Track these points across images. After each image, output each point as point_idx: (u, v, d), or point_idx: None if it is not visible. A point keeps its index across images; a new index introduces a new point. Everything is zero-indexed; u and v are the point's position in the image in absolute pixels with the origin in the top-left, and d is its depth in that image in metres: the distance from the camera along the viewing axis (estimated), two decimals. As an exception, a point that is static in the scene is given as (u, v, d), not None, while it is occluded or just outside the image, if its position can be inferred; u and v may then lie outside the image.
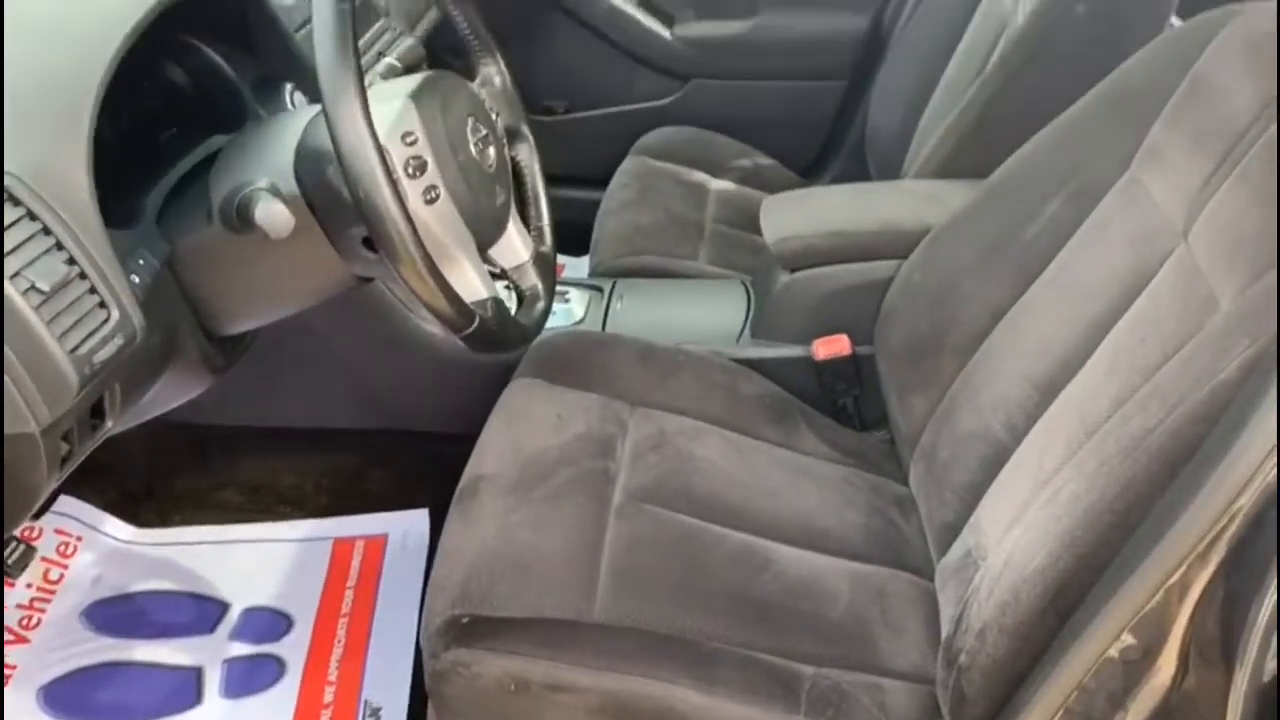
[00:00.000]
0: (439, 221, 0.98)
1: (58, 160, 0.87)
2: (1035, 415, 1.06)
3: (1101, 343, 1.03)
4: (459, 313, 0.95)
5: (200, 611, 1.55)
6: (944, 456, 1.18)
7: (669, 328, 1.54)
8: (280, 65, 1.25)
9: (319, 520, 1.70)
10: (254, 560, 1.63)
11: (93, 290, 0.87)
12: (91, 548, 1.61)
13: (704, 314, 1.63)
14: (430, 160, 0.98)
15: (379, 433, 1.70)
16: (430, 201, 0.97)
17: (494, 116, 1.13)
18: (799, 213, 1.55)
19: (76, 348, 0.85)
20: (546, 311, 1.16)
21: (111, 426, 0.98)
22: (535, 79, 2.32)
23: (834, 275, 1.48)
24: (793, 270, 1.49)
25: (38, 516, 1.63)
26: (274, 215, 0.92)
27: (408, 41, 1.25)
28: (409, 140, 0.97)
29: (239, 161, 1.04)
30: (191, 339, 1.07)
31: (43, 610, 1.52)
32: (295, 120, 1.05)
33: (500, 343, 1.03)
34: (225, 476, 1.74)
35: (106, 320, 0.88)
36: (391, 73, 1.26)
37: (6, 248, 0.81)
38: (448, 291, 0.93)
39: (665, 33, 2.32)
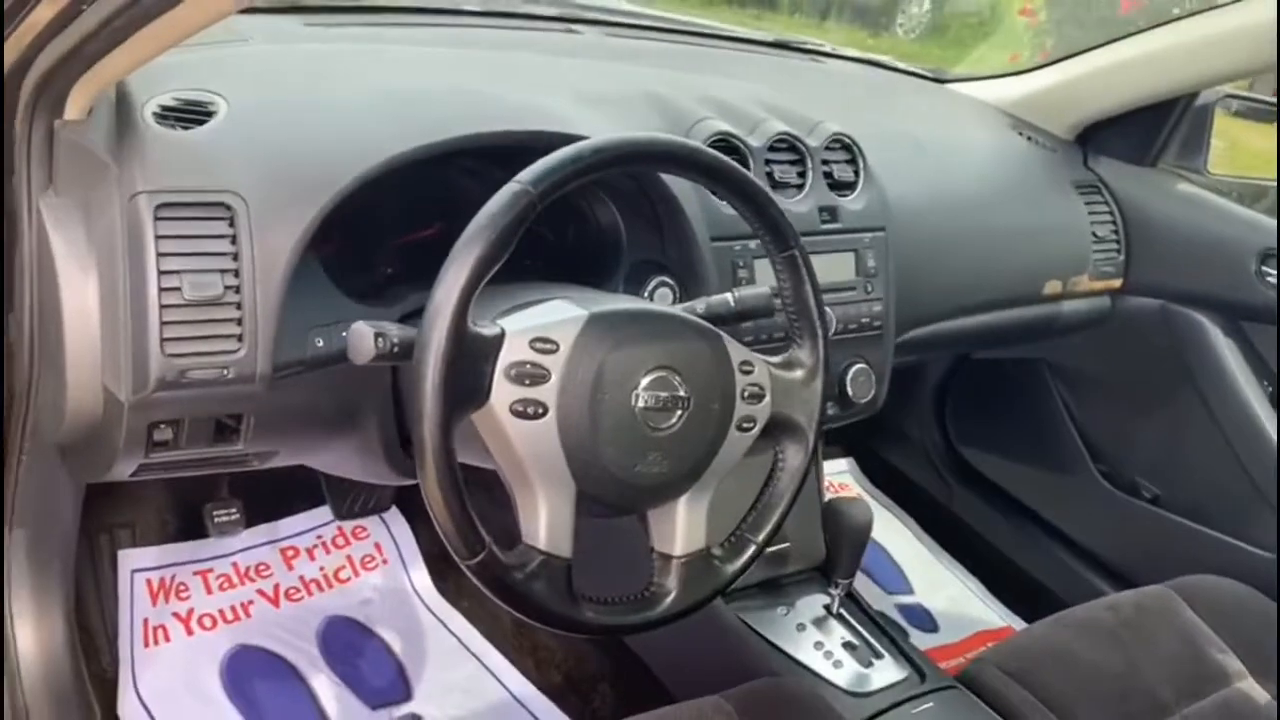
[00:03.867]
0: (525, 440, 0.83)
1: (284, 209, 0.94)
2: None
3: None
4: (459, 530, 0.80)
5: (394, 687, 1.57)
6: None
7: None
8: (662, 256, 1.20)
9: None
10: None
11: (237, 322, 0.92)
12: (387, 577, 1.73)
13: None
14: (556, 377, 0.83)
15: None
16: (525, 415, 0.83)
17: (739, 394, 0.93)
18: None
19: (179, 355, 0.90)
20: (635, 627, 0.92)
21: (245, 451, 1.02)
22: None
23: None
24: None
25: (366, 514, 1.80)
26: (359, 337, 0.86)
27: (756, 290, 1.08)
28: (543, 346, 0.84)
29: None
30: (377, 428, 1.07)
31: (309, 595, 1.67)
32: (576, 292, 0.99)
33: (527, 606, 0.85)
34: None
35: (232, 352, 0.92)
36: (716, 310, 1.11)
37: (182, 247, 0.90)
38: (456, 494, 0.79)
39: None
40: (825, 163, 1.34)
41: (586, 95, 1.21)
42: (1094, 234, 1.67)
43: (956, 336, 1.56)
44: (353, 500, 1.79)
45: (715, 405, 0.92)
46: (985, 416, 2.09)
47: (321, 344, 0.98)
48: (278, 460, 1.09)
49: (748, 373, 0.95)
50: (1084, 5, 5.21)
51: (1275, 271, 1.57)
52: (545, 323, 0.86)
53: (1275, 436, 1.60)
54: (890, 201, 1.39)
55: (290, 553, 1.71)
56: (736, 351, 0.94)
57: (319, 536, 1.75)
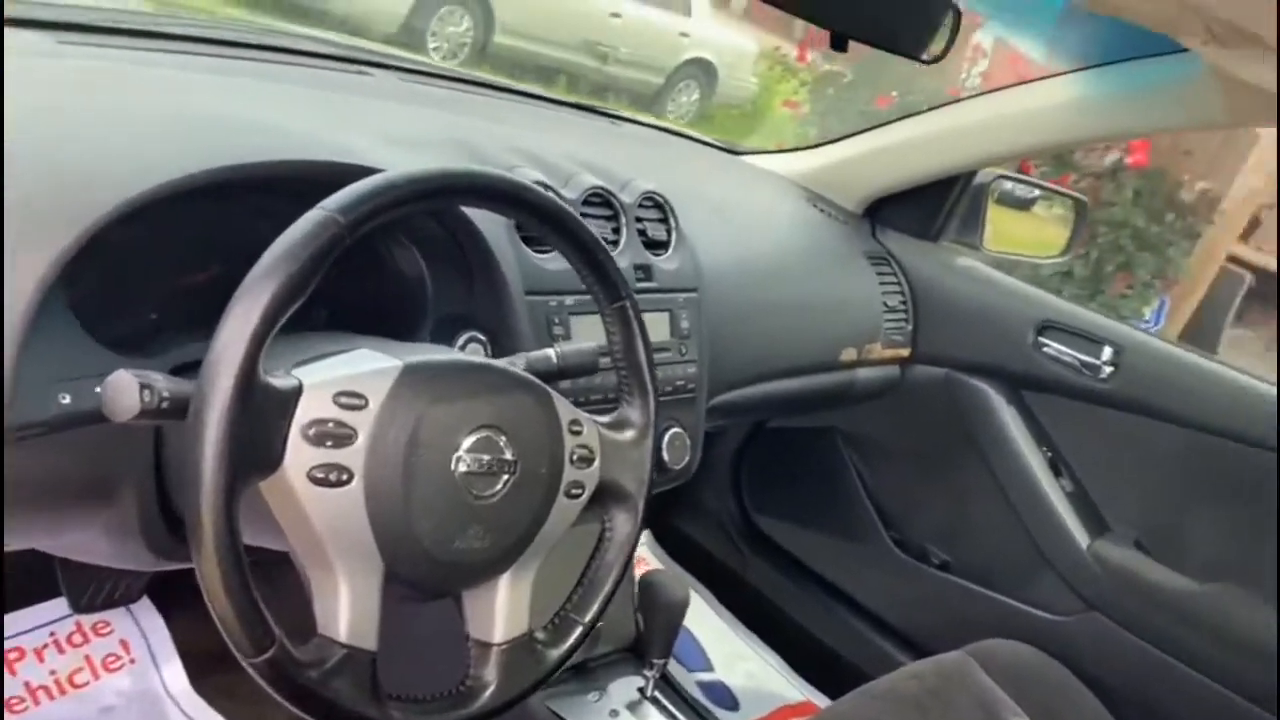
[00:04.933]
0: (325, 512, 0.71)
1: (25, 239, 0.78)
2: None
3: None
4: (243, 621, 0.67)
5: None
6: None
7: None
8: (472, 309, 1.11)
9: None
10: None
11: None
12: (136, 679, 1.50)
13: None
14: (364, 437, 0.73)
15: None
16: (326, 482, 0.71)
17: (567, 457, 0.85)
18: None
19: None
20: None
21: None
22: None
23: None
24: None
25: (111, 606, 1.57)
26: (120, 389, 0.72)
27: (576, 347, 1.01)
28: (349, 401, 0.73)
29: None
30: (135, 502, 0.91)
31: (36, 705, 1.42)
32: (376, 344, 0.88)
33: (324, 709, 0.72)
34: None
35: None
36: (537, 367, 1.04)
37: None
38: (239, 577, 0.66)
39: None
40: (639, 220, 1.30)
41: (393, 136, 1.11)
42: (885, 303, 1.72)
43: (759, 402, 1.54)
44: (95, 590, 1.55)
45: (543, 469, 0.84)
46: (780, 485, 2.09)
47: (69, 400, 0.82)
48: (5, 543, 0.90)
49: (577, 433, 0.87)
50: (844, 99, 5.58)
51: (1052, 343, 1.66)
52: (352, 374, 0.75)
53: (1055, 501, 1.67)
54: (700, 264, 1.36)
55: (14, 655, 1.45)
56: (566, 410, 0.86)
57: (51, 634, 1.50)
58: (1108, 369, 1.61)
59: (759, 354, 1.49)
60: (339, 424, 0.72)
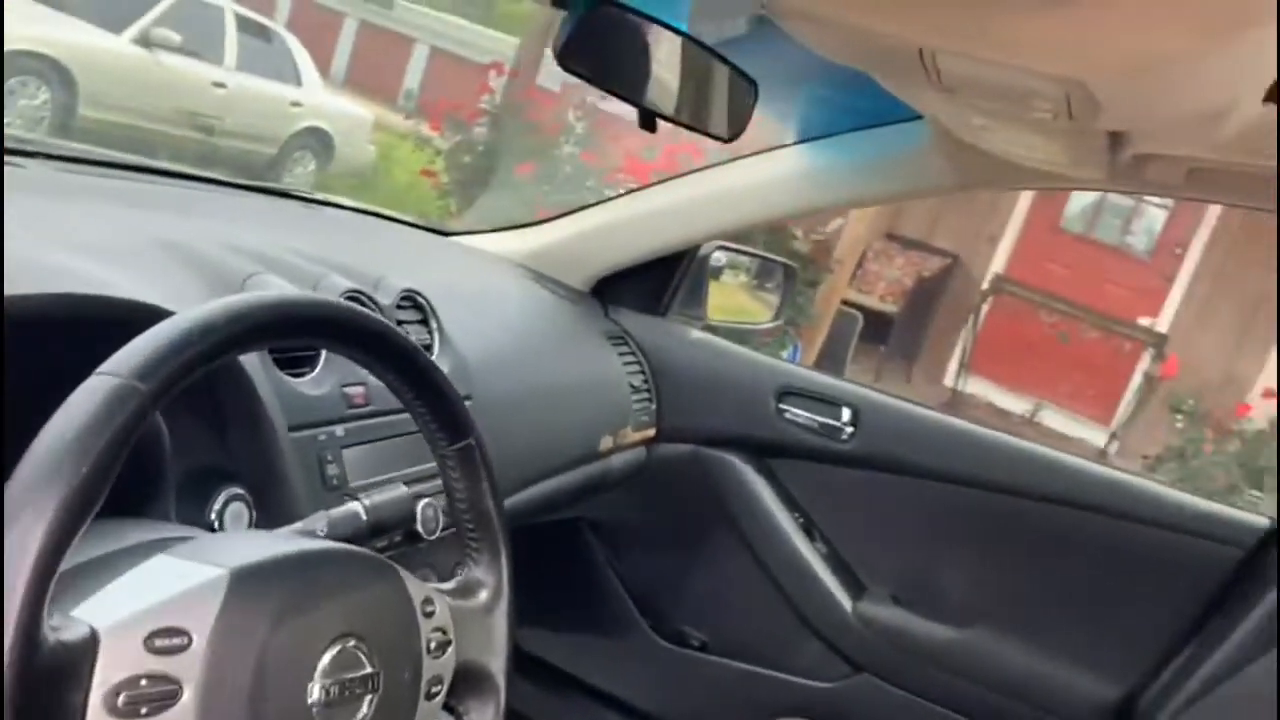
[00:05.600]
0: None
1: None
2: None
3: None
4: None
5: None
6: None
7: None
8: (225, 459, 0.88)
9: None
10: None
11: None
12: None
13: None
14: (190, 693, 0.51)
15: None
16: (145, 711, 0.49)
17: (424, 648, 0.67)
18: None
19: None
20: None
21: None
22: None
23: None
24: None
25: None
26: None
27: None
28: (167, 644, 0.51)
29: None
30: None
31: None
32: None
33: None
34: None
35: None
36: (344, 528, 0.84)
37: None
38: None
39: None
40: (400, 324, 1.12)
41: (92, 246, 0.85)
42: (631, 384, 1.64)
43: (527, 507, 1.40)
44: None
45: (406, 674, 0.65)
46: (527, 590, 1.93)
47: None
48: None
49: (430, 615, 0.69)
50: (482, 168, 5.54)
51: (792, 409, 1.66)
52: (162, 600, 0.53)
53: (814, 566, 1.67)
54: (469, 366, 1.20)
55: None
56: (416, 589, 0.68)
57: None
58: (848, 429, 1.64)
59: (529, 455, 1.36)
60: (155, 679, 0.50)
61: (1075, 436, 6.40)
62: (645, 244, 1.68)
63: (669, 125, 1.01)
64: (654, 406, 1.70)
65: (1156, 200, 6.62)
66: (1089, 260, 6.94)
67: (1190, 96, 0.86)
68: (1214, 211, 6.43)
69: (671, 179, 1.66)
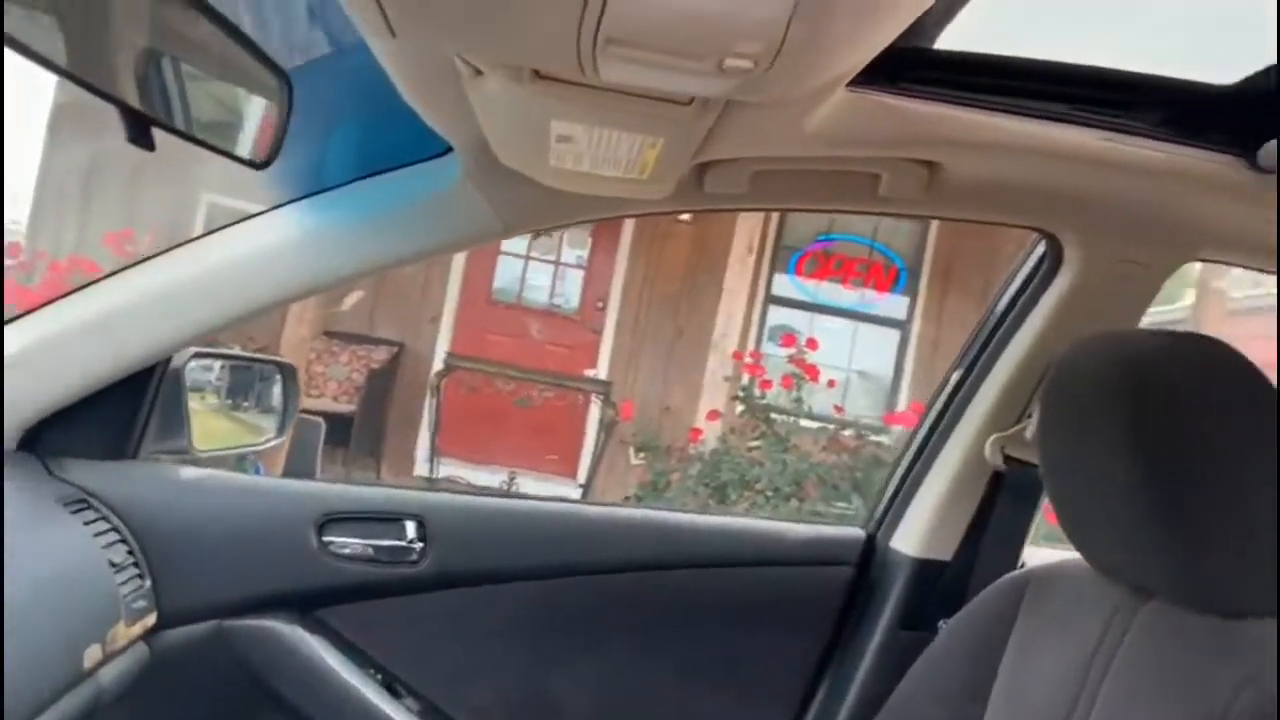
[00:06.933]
0: None
1: None
2: None
3: None
4: None
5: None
6: None
7: None
8: None
9: None
10: None
11: None
12: None
13: None
14: None
15: None
16: None
17: None
18: None
19: None
20: None
21: None
22: None
23: None
24: None
25: None
26: None
27: None
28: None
29: None
30: None
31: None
32: None
33: None
34: None
35: None
36: None
37: None
38: None
39: None
40: None
41: None
42: (109, 562, 1.16)
43: None
44: None
45: None
46: None
47: None
48: None
49: None
50: None
51: (341, 538, 1.31)
52: None
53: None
54: None
55: None
56: None
57: None
58: (417, 546, 1.33)
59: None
60: None
61: (552, 497, 6.57)
62: (92, 368, 1.21)
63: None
64: (148, 584, 1.23)
65: (573, 262, 7.12)
66: (526, 326, 7.22)
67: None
68: (622, 266, 7.06)
69: (111, 275, 1.22)
